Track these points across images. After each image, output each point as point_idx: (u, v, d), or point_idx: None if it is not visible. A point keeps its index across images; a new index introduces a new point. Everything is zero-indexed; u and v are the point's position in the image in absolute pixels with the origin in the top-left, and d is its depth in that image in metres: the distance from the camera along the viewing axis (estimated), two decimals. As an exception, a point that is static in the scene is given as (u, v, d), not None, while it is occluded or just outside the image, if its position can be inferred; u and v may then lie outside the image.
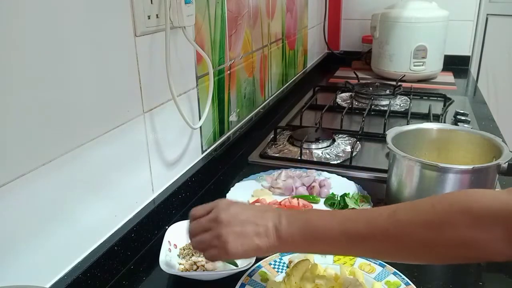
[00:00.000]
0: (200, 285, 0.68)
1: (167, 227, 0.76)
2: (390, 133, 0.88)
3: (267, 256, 0.70)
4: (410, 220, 0.49)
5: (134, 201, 0.77)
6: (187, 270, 0.70)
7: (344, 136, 1.21)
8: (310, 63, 2.02)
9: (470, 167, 0.76)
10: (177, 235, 0.74)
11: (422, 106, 1.46)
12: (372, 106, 1.46)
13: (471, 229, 0.44)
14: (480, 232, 0.44)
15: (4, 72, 0.50)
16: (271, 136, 1.22)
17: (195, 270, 0.69)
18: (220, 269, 0.70)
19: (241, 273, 0.67)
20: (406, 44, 1.77)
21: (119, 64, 0.69)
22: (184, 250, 0.74)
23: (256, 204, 0.62)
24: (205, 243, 0.58)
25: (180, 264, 0.71)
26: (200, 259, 0.71)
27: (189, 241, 0.73)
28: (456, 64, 2.01)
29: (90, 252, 0.66)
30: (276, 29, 1.45)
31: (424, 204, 0.50)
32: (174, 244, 0.74)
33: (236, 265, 0.69)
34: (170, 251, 0.72)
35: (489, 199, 0.45)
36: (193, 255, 0.72)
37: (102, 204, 0.69)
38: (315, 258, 0.71)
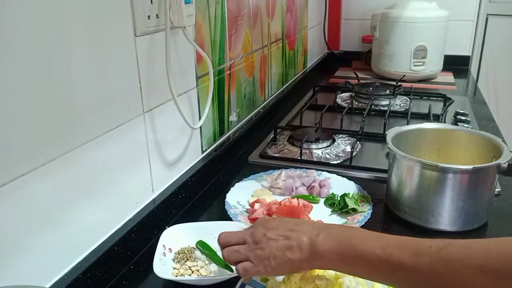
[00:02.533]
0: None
1: (167, 227, 0.76)
2: (390, 133, 0.88)
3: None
4: (459, 260, 0.44)
5: (134, 201, 0.77)
6: (181, 274, 0.68)
7: (344, 136, 1.21)
8: (310, 63, 2.02)
9: (470, 167, 0.76)
10: (172, 239, 0.73)
11: (422, 106, 1.46)
12: (372, 106, 1.46)
13: None
14: None
15: (3, 72, 0.50)
16: (271, 136, 1.22)
17: (190, 275, 0.68)
18: (216, 274, 0.69)
19: (237, 278, 0.66)
20: (406, 44, 1.77)
21: (119, 64, 0.69)
22: (179, 254, 0.72)
23: (296, 218, 0.60)
24: (237, 256, 0.57)
25: (174, 268, 0.70)
26: (195, 264, 0.70)
27: (185, 245, 0.73)
28: (456, 64, 2.01)
29: (90, 252, 0.66)
30: (276, 29, 1.45)
31: (479, 246, 0.45)
32: (169, 248, 0.72)
33: (232, 270, 0.68)
34: (164, 255, 0.70)
35: None
36: (188, 259, 0.71)
37: (102, 204, 0.69)
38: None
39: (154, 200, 0.82)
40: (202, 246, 0.74)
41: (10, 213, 0.52)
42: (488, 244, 0.44)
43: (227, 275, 0.67)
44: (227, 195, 0.91)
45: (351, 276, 0.65)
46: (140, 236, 0.75)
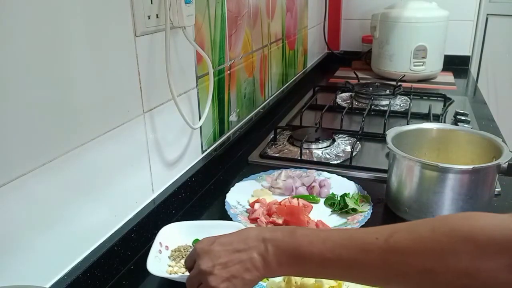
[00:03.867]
0: None
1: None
2: (390, 133, 0.88)
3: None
4: (408, 247, 0.45)
5: (134, 201, 0.77)
6: (175, 272, 0.69)
7: (344, 136, 1.21)
8: (310, 63, 2.02)
9: (470, 167, 0.76)
10: (169, 237, 0.74)
11: (422, 106, 1.46)
12: (372, 106, 1.46)
13: (474, 258, 0.41)
14: (484, 261, 0.41)
15: (3, 72, 0.50)
16: (271, 136, 1.22)
17: (183, 272, 0.69)
18: None
19: None
20: (406, 44, 1.77)
21: (119, 64, 0.69)
22: (175, 252, 0.72)
23: (235, 231, 0.58)
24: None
25: (169, 266, 0.70)
26: None
27: (182, 244, 0.73)
28: (456, 64, 2.01)
29: (90, 252, 0.66)
30: (276, 29, 1.45)
31: (424, 229, 0.46)
32: (166, 246, 0.73)
33: None
34: (160, 253, 0.71)
35: (493, 225, 0.42)
36: (183, 257, 0.71)
37: (102, 204, 0.69)
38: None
39: (154, 200, 0.82)
40: None
41: (10, 213, 0.52)
42: (432, 226, 0.45)
43: None
44: (227, 195, 0.91)
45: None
46: (140, 236, 0.75)
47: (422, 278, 0.45)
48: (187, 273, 0.68)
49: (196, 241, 0.74)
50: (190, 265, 0.57)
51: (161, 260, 0.70)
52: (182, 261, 0.71)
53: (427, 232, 0.45)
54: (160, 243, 0.72)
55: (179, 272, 0.69)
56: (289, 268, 0.52)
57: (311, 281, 0.62)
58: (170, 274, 0.68)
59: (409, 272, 0.45)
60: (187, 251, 0.73)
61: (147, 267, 0.65)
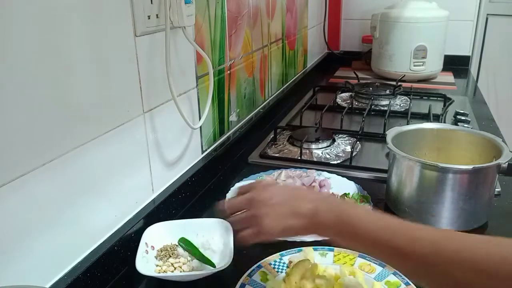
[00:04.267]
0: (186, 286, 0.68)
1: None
2: (390, 133, 0.88)
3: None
4: (471, 261, 0.43)
5: (134, 201, 0.77)
6: (164, 271, 0.69)
7: (344, 136, 1.21)
8: (310, 63, 2.02)
9: (470, 167, 0.76)
10: (155, 237, 0.74)
11: (422, 106, 1.46)
12: (372, 106, 1.46)
13: None
14: None
15: (3, 72, 0.50)
16: (271, 136, 1.22)
17: (172, 271, 0.69)
18: (198, 270, 0.70)
19: (220, 274, 0.66)
20: (406, 44, 1.77)
21: (119, 64, 0.69)
22: (161, 251, 0.73)
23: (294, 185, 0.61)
24: (241, 223, 0.58)
25: (157, 265, 0.70)
26: (178, 260, 0.71)
27: (167, 243, 0.73)
28: (456, 64, 2.01)
29: (90, 252, 0.66)
30: (276, 29, 1.45)
31: (479, 244, 0.44)
32: (152, 246, 0.73)
33: (213, 265, 0.69)
34: (147, 253, 0.71)
35: None
36: (170, 256, 0.72)
37: (102, 204, 0.69)
38: (315, 258, 0.71)
39: (154, 200, 0.82)
40: (184, 243, 0.74)
41: (10, 213, 0.52)
42: (488, 246, 0.43)
43: (209, 270, 0.67)
44: (227, 195, 0.91)
45: (351, 276, 0.65)
46: (140, 236, 0.75)
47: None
48: (176, 272, 0.68)
49: (182, 239, 0.75)
50: (244, 190, 0.60)
51: (148, 260, 0.70)
52: (170, 259, 0.71)
53: (481, 249, 0.43)
54: (146, 243, 0.72)
55: (168, 271, 0.69)
56: (334, 232, 0.53)
57: (310, 281, 0.62)
58: (159, 273, 0.68)
59: (449, 283, 0.44)
60: (174, 250, 0.73)
61: (137, 267, 0.65)
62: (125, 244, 0.71)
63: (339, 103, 1.52)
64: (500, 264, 0.41)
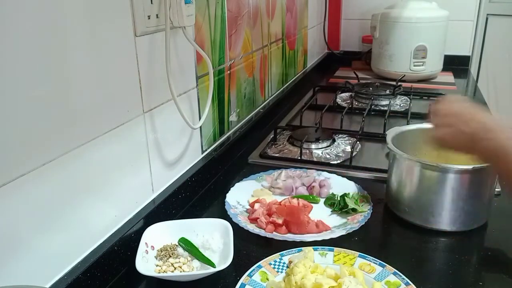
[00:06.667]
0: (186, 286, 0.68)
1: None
2: (390, 133, 0.88)
3: (266, 256, 0.69)
4: None
5: (134, 201, 0.77)
6: (164, 271, 0.69)
7: (344, 136, 1.21)
8: (310, 63, 2.02)
9: (470, 167, 0.76)
10: (155, 237, 0.74)
11: (422, 106, 1.46)
12: (372, 106, 1.46)
13: None
14: None
15: (3, 72, 0.50)
16: (271, 136, 1.22)
17: (172, 271, 0.69)
18: (198, 270, 0.70)
19: (220, 274, 0.66)
20: (406, 44, 1.77)
21: (119, 64, 0.69)
22: (161, 251, 0.73)
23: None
24: (440, 121, 0.72)
25: (157, 265, 0.70)
26: (178, 260, 0.71)
27: (167, 243, 0.74)
28: (456, 64, 2.01)
29: (90, 252, 0.66)
30: (276, 29, 1.45)
31: None
32: (152, 246, 0.73)
33: (213, 265, 0.69)
34: (147, 253, 0.71)
35: None
36: (170, 256, 0.72)
37: (102, 204, 0.69)
38: (315, 258, 0.71)
39: (154, 200, 0.82)
40: (184, 243, 0.74)
41: (10, 213, 0.52)
42: None
43: (209, 270, 0.67)
44: (227, 195, 0.91)
45: (351, 276, 0.65)
46: (140, 236, 0.75)
47: None
48: (176, 272, 0.69)
49: (182, 239, 0.75)
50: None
51: (148, 260, 0.71)
52: (170, 259, 0.71)
53: None
54: (146, 243, 0.72)
55: (168, 271, 0.69)
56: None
57: (311, 280, 0.62)
58: (159, 273, 0.68)
59: None
60: (174, 250, 0.73)
61: (137, 267, 0.65)
62: (125, 244, 0.71)
63: (339, 103, 1.52)
64: None
